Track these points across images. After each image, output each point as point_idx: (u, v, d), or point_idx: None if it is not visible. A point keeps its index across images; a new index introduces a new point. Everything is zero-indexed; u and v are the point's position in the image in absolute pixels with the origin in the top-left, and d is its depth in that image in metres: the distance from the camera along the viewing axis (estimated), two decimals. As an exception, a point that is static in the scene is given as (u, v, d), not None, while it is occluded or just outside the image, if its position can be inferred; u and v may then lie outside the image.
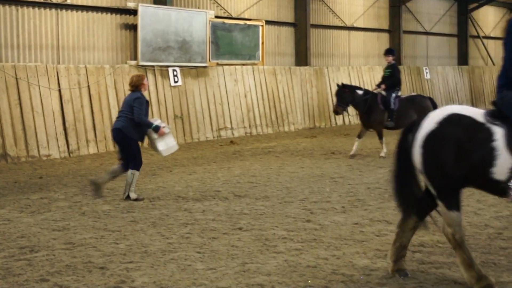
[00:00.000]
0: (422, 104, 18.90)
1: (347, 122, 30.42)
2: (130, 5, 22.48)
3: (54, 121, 19.81)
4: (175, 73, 23.36)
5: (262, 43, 26.89)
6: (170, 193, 13.65)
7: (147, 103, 13.13)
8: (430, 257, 8.69)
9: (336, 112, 19.34)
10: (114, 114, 20.95)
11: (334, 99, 19.79)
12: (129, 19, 22.90)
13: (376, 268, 8.25)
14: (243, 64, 26.34)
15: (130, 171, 12.97)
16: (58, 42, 21.03)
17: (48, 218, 11.38)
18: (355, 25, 33.30)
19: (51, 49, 20.87)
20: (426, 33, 38.69)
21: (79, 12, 21.60)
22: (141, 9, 22.37)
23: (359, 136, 19.11)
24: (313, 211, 11.68)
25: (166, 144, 13.34)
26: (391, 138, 19.00)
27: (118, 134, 13.07)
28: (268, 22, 27.87)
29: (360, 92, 19.03)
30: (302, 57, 29.77)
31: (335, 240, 9.61)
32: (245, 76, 26.22)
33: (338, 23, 32.29)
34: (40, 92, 19.59)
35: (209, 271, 8.21)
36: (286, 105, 27.69)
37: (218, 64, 25.17)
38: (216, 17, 25.40)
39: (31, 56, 20.36)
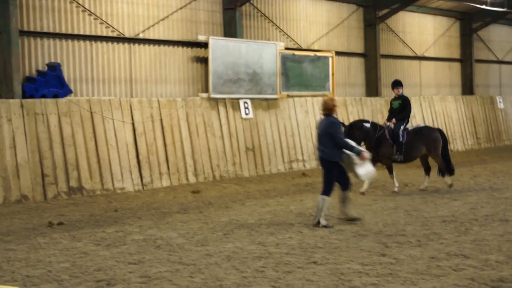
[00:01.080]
0: (432, 136, 18.49)
1: (419, 152, 30.06)
2: (201, 38, 22.74)
3: (128, 154, 20.08)
4: (246, 105, 23.49)
5: (332, 74, 26.85)
6: (244, 226, 13.66)
7: (340, 125, 14.13)
8: (511, 293, 8.49)
9: (375, 146, 18.25)
10: (187, 147, 21.20)
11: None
12: (200, 52, 23.16)
13: (456, 304, 8.09)
14: (314, 96, 26.33)
15: (320, 197, 13.42)
16: (131, 76, 21.38)
17: (124, 251, 11.49)
18: (425, 54, 33.07)
19: (124, 82, 21.23)
20: (499, 61, 38.17)
21: (151, 46, 21.94)
22: (211, 42, 22.61)
23: (390, 171, 18.46)
24: (388, 244, 11.54)
25: (365, 169, 13.80)
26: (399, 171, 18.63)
27: (323, 162, 13.63)
28: (338, 53, 27.86)
29: (367, 125, 18.37)
30: (372, 87, 29.67)
31: (412, 275, 9.46)
32: (316, 107, 26.18)
33: (408, 53, 32.11)
34: (114, 125, 19.89)
35: (285, 306, 8.16)
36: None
37: (288, 96, 25.22)
38: (286, 48, 25.50)
39: (105, 90, 20.73)
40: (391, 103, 19.00)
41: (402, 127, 18.21)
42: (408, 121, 18.62)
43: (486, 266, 9.85)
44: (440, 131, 19.02)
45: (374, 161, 17.41)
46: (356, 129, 18.04)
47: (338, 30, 28.61)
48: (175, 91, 22.55)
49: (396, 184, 18.22)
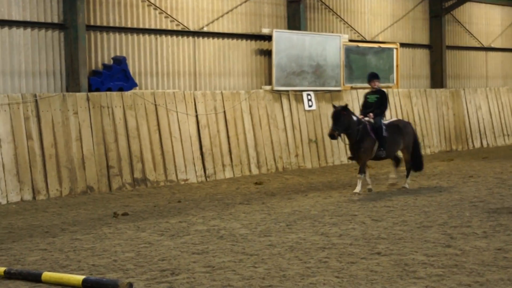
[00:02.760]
0: (409, 130, 17.72)
1: (485, 144, 29.65)
2: (265, 31, 22.77)
3: (192, 146, 20.22)
4: (309, 97, 23.45)
5: (397, 65, 26.63)
6: (306, 217, 13.63)
7: None
8: None
9: (332, 136, 16.47)
10: (250, 139, 21.27)
11: (330, 121, 17.00)
12: (264, 44, 23.18)
13: (522, 296, 7.94)
14: (378, 87, 26.11)
15: None
16: (195, 69, 21.52)
17: (188, 241, 11.56)
18: (492, 45, 32.53)
19: (188, 75, 21.38)
20: None
21: (215, 39, 22.04)
22: (275, 34, 22.60)
23: (362, 171, 16.78)
24: (453, 236, 11.39)
25: None
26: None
27: None
28: (402, 45, 27.61)
29: (355, 118, 16.70)
30: (437, 79, 29.35)
31: (478, 266, 9.32)
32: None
33: (474, 44, 31.65)
34: (178, 118, 20.05)
35: (348, 296, 8.13)
36: (421, 128, 27.26)
37: (352, 88, 25.09)
38: (350, 41, 25.38)
39: (169, 83, 20.91)
40: (366, 97, 17.58)
41: (383, 121, 17.15)
42: (385, 115, 17.52)
43: (554, 258, 9.66)
44: (410, 124, 18.52)
45: (353, 158, 17.10)
46: (347, 113, 16.48)
47: (403, 21, 28.34)
48: (238, 84, 22.63)
49: (369, 181, 17.12)
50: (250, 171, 21.35)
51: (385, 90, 18.36)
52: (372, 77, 17.68)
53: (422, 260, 9.76)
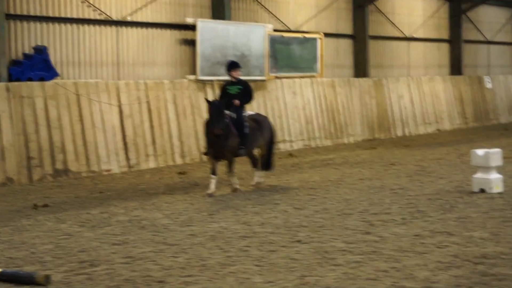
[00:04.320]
0: (268, 125, 16.36)
1: (407, 133, 30.13)
2: (189, 20, 22.66)
3: (114, 136, 20.04)
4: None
5: (321, 55, 26.83)
6: (229, 206, 13.65)
7: None
8: (493, 269, 8.49)
9: (219, 136, 14.89)
10: (174, 129, 21.17)
11: (210, 117, 15.08)
12: (188, 34, 23.07)
13: (437, 280, 8.08)
14: (302, 77, 26.32)
15: None
16: (118, 59, 21.30)
17: (108, 232, 11.46)
18: (414, 35, 33.02)
19: (111, 65, 21.15)
20: (487, 42, 38.20)
21: (139, 28, 21.86)
22: (199, 24, 22.53)
23: (215, 172, 15.19)
24: (372, 223, 11.54)
25: None
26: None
27: None
28: (326, 35, 27.81)
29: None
30: (361, 68, 29.66)
31: (395, 252, 9.47)
32: (304, 88, 26.18)
33: (397, 34, 32.08)
34: (100, 108, 19.83)
35: (268, 284, 8.15)
36: (345, 117, 27.56)
37: (276, 77, 25.19)
38: (275, 30, 25.44)
39: (92, 73, 20.65)
40: (225, 88, 15.82)
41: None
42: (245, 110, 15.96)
43: (469, 243, 9.86)
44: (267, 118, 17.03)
45: (217, 157, 15.22)
46: (221, 107, 15.07)
47: (327, 11, 28.53)
48: (162, 73, 22.47)
49: (237, 182, 15.65)
50: (174, 161, 21.27)
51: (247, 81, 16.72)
52: (232, 66, 15.95)
53: (341, 247, 9.87)
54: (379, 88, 29.49)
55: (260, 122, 16.08)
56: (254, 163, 16.16)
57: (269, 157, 16.29)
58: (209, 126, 14.98)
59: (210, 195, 14.83)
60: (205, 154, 15.84)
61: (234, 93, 15.57)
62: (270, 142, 16.31)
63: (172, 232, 11.29)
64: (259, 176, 16.18)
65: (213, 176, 15.05)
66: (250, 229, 11.38)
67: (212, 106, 14.96)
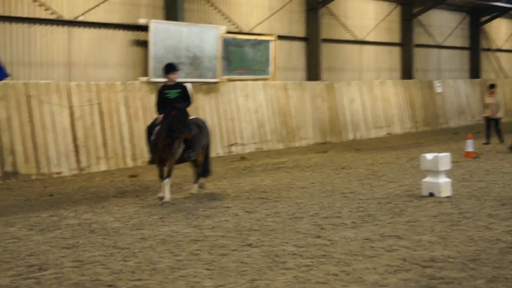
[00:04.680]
0: (208, 129, 15.85)
1: (358, 136, 30.34)
2: (142, 21, 22.56)
3: (65, 138, 19.86)
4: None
5: (274, 58, 26.90)
6: (180, 209, 13.61)
7: None
8: (441, 272, 8.59)
9: (171, 141, 14.39)
10: (126, 131, 21.05)
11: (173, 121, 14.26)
12: (141, 35, 22.97)
13: (386, 284, 8.16)
14: (254, 80, 26.36)
15: None
16: (69, 59, 21.12)
17: (58, 236, 11.35)
18: (366, 39, 33.28)
19: (62, 66, 20.96)
20: (438, 46, 38.64)
21: (91, 29, 21.70)
22: (152, 25, 22.44)
23: (164, 175, 14.58)
24: (323, 226, 11.61)
25: None
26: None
27: None
28: (279, 37, 27.89)
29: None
30: (313, 71, 29.80)
31: (345, 256, 9.53)
32: (256, 91, 26.22)
33: (349, 37, 32.30)
34: (51, 109, 19.64)
35: (218, 288, 8.17)
36: (297, 120, 27.66)
37: (229, 80, 25.19)
38: (228, 32, 25.44)
39: (42, 74, 20.44)
40: (163, 93, 15.02)
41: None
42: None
43: (418, 246, 9.97)
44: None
45: (162, 161, 14.56)
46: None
47: (280, 14, 28.62)
48: (114, 75, 22.33)
49: (167, 196, 14.44)
50: (125, 163, 21.16)
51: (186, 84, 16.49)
52: (170, 69, 15.14)
53: (292, 251, 9.90)
54: (331, 91, 29.65)
55: (201, 126, 15.52)
56: (197, 167, 15.60)
57: (208, 162, 15.87)
58: (168, 131, 14.17)
59: (165, 203, 14.13)
60: (151, 162, 14.99)
61: (173, 97, 14.87)
62: (208, 147, 15.92)
63: (123, 236, 11.23)
64: (199, 183, 15.68)
65: (164, 180, 14.41)
66: (201, 232, 11.36)
67: (179, 110, 14.25)
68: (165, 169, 14.50)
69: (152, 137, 14.62)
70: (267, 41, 26.81)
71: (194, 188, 15.66)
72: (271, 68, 26.91)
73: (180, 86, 15.19)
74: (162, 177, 14.55)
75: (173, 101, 14.68)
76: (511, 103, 40.63)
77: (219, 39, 24.64)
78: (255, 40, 26.47)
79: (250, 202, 14.24)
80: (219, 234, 11.21)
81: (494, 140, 25.70)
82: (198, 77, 23.98)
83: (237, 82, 25.59)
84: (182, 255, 9.80)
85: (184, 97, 14.97)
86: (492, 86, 26.26)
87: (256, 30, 27.34)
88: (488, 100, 25.67)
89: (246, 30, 26.96)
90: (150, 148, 14.79)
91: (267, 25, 28.01)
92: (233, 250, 10.06)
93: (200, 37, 24.01)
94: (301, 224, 11.88)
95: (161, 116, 14.60)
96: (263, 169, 19.96)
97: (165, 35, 22.84)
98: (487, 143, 25.27)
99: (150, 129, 15.00)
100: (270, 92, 26.80)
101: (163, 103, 14.82)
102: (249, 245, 10.36)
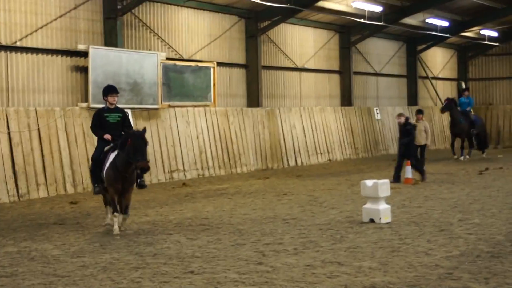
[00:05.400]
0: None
1: (299, 162, 30.50)
2: (81, 47, 22.42)
3: (4, 164, 19.56)
4: (127, 114, 23.20)
5: (214, 84, 26.98)
6: (121, 236, 13.48)
7: None
8: (382, 298, 8.69)
9: (129, 172, 13.71)
10: (65, 157, 20.84)
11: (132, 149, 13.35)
12: (80, 61, 22.82)
13: (328, 311, 8.22)
14: (195, 106, 26.37)
15: None
16: (7, 85, 20.86)
17: (-4, 264, 11.18)
18: (306, 66, 33.58)
19: (0, 91, 20.67)
20: (376, 74, 39.20)
21: (29, 54, 21.48)
22: (91, 51, 22.33)
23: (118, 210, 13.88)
24: (265, 253, 11.63)
25: None
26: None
27: None
28: (219, 64, 28.00)
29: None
30: (253, 98, 29.92)
31: (287, 283, 9.57)
32: (197, 117, 26.23)
33: (289, 64, 32.55)
34: (-11, 135, 19.36)
35: (160, 317, 8.11)
36: (238, 146, 27.72)
37: (169, 106, 25.15)
38: (168, 59, 25.44)
39: (-20, 99, 20.15)
40: (103, 116, 14.38)
41: None
42: None
43: (359, 272, 10.06)
44: None
45: (122, 193, 13.88)
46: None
47: (220, 41, 28.73)
48: (53, 100, 22.11)
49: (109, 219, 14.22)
50: (65, 190, 20.91)
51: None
52: (110, 91, 14.52)
53: (234, 278, 9.91)
54: (271, 117, 29.81)
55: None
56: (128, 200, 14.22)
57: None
58: (128, 159, 13.33)
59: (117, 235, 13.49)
60: (98, 193, 14.42)
61: (114, 121, 14.39)
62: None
63: (63, 264, 11.09)
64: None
65: (116, 214, 13.73)
66: (143, 260, 11.29)
67: (134, 137, 13.36)
68: (124, 201, 13.80)
69: (107, 168, 13.74)
70: (208, 68, 26.89)
71: (119, 219, 13.98)
72: (211, 94, 26.97)
73: (121, 110, 14.71)
74: (116, 210, 13.71)
75: (114, 125, 14.30)
76: (445, 130, 41.25)
77: (159, 65, 24.63)
78: (196, 66, 26.52)
79: (192, 229, 14.21)
80: (161, 261, 11.15)
81: (431, 166, 26.04)
82: (138, 103, 23.90)
83: (178, 109, 25.57)
84: (123, 283, 9.73)
85: (125, 122, 14.52)
86: (420, 112, 25.94)
87: (196, 57, 27.39)
88: (416, 126, 24.45)
89: (186, 57, 26.98)
90: (107, 180, 13.73)
91: (207, 51, 28.08)
92: (175, 277, 10.03)
93: (140, 63, 23.97)
94: (243, 250, 11.90)
95: (108, 137, 14.06)
96: (205, 196, 19.93)
97: (105, 61, 22.74)
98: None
99: (98, 158, 14.18)
100: (211, 118, 26.83)
101: (103, 126, 14.33)
102: (191, 272, 10.33)
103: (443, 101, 32.54)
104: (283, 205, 17.59)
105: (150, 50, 25.25)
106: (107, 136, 14.17)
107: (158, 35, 25.83)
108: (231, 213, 16.34)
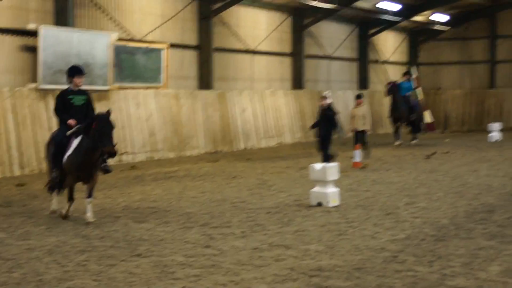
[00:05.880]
0: None
1: (249, 146, 30.56)
2: (31, 26, 22.12)
3: (-51, 145, 19.30)
4: (76, 96, 23.00)
5: (166, 66, 26.85)
6: (68, 219, 13.40)
7: None
8: (328, 281, 8.77)
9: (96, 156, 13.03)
10: (13, 138, 20.59)
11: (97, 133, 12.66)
12: (30, 41, 22.50)
13: (273, 294, 8.28)
14: (146, 88, 26.24)
15: None
16: (-47, 65, 20.54)
17: None
18: (258, 49, 33.56)
19: None
20: (328, 57, 39.35)
21: (-23, 33, 21.15)
22: (42, 30, 22.06)
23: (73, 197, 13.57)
24: (213, 236, 11.66)
25: None
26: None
27: None
28: (171, 45, 27.86)
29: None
30: (205, 80, 29.84)
31: (234, 266, 9.61)
32: (148, 99, 26.09)
33: (241, 46, 32.50)
34: None
35: (105, 300, 8.10)
36: (188, 129, 27.65)
37: (120, 88, 24.98)
38: (119, 39, 25.23)
39: None
40: (68, 98, 13.51)
41: None
42: None
43: (306, 256, 10.15)
44: None
45: (84, 179, 13.30)
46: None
47: (173, 22, 28.56)
48: (1, 81, 21.80)
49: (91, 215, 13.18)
50: (12, 172, 20.68)
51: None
52: (77, 72, 13.73)
53: (181, 261, 9.92)
54: (222, 100, 29.78)
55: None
56: (72, 195, 13.67)
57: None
58: (92, 145, 12.71)
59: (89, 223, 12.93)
60: (56, 178, 13.49)
61: (79, 104, 13.56)
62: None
63: (8, 247, 11.00)
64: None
65: (71, 201, 13.36)
66: (89, 243, 11.25)
67: (100, 120, 12.71)
68: (88, 187, 13.16)
69: (70, 154, 13.03)
70: (159, 49, 26.75)
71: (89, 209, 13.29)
72: (163, 76, 26.85)
73: (85, 92, 13.82)
74: (71, 198, 13.34)
75: (78, 108, 13.49)
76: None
77: (111, 46, 24.43)
78: (147, 48, 26.36)
79: (140, 212, 14.18)
80: (108, 244, 11.12)
81: (379, 150, 26.28)
82: (88, 85, 23.54)
83: (128, 90, 25.41)
84: (69, 266, 9.69)
85: (89, 105, 13.72)
86: (359, 96, 25.01)
87: (148, 38, 27.21)
88: (355, 111, 24.50)
89: (138, 38, 26.79)
90: (70, 167, 13.05)
91: (159, 33, 27.91)
92: (122, 260, 10.01)
93: (91, 44, 23.74)
94: (191, 234, 11.91)
95: (72, 122, 13.27)
96: (154, 178, 19.88)
97: (55, 41, 22.48)
98: None
99: (61, 142, 13.34)
100: (161, 100, 26.72)
101: (67, 109, 13.47)
102: (138, 255, 10.32)
103: (385, 85, 32.06)
104: (232, 188, 17.62)
105: (101, 30, 25.01)
106: (71, 122, 13.32)
107: (110, 15, 25.60)
108: (179, 196, 16.34)
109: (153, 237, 11.63)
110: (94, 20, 25.00)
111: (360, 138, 23.92)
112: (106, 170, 13.50)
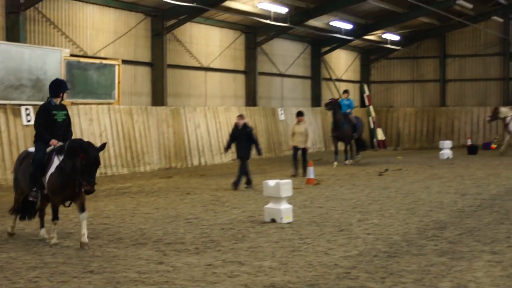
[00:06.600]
0: None
1: (203, 162, 30.52)
2: (-19, 41, 21.90)
3: None
4: (28, 111, 22.82)
5: (118, 82, 26.74)
6: (20, 235, 13.27)
7: None
8: (281, 298, 8.78)
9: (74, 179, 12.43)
10: (-38, 154, 20.25)
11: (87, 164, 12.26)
12: (-20, 56, 22.25)
13: (227, 310, 8.26)
14: (99, 104, 26.07)
15: None
16: None
17: None
18: (211, 66, 33.62)
19: None
20: (281, 75, 39.55)
21: None
22: (-8, 46, 21.84)
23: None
24: (166, 252, 11.61)
25: None
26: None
27: None
28: (124, 62, 27.76)
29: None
30: (158, 97, 29.79)
31: (187, 282, 9.58)
32: (101, 115, 25.93)
33: (195, 63, 32.52)
34: None
35: (57, 317, 8.01)
36: (142, 145, 27.53)
37: (72, 103, 24.78)
38: (72, 55, 25.07)
39: None
40: (51, 113, 12.69)
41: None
42: None
43: (259, 272, 10.15)
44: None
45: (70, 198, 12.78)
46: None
47: (126, 38, 28.49)
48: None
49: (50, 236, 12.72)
50: None
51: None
52: (63, 87, 12.95)
53: (134, 277, 9.86)
54: (176, 117, 29.73)
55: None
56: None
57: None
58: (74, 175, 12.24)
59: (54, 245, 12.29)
60: (36, 196, 12.69)
61: (61, 120, 12.76)
62: None
63: (-42, 263, 10.83)
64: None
65: (56, 221, 12.59)
66: (41, 259, 11.13)
67: (89, 157, 12.16)
68: (79, 203, 12.59)
69: (53, 174, 12.34)
70: (112, 65, 26.63)
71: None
72: (115, 92, 26.71)
73: (65, 107, 13.02)
74: (57, 217, 12.58)
75: (60, 125, 12.70)
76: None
77: (63, 62, 24.25)
78: (100, 63, 26.23)
79: (93, 228, 14.05)
80: (59, 260, 11.01)
81: (328, 168, 26.36)
82: (41, 100, 23.34)
83: (81, 106, 25.24)
84: (20, 283, 9.58)
85: (69, 121, 13.01)
86: (300, 113, 24.72)
87: (101, 54, 27.08)
88: (295, 128, 24.36)
89: (90, 54, 26.65)
90: (53, 186, 12.38)
91: (112, 49, 27.81)
92: (74, 277, 9.92)
93: (43, 60, 23.54)
94: (144, 250, 11.85)
95: (54, 142, 12.52)
96: (107, 194, 19.74)
97: (6, 56, 22.25)
98: (294, 175, 23.99)
99: (41, 161, 12.56)
100: (114, 116, 26.57)
101: (49, 125, 12.65)
102: (91, 271, 10.24)
103: (326, 101, 31.39)
104: (185, 205, 17.58)
105: (54, 46, 24.83)
106: (54, 142, 12.57)
107: (62, 31, 25.45)
108: (133, 213, 16.24)
109: (105, 254, 11.54)
110: (46, 36, 24.82)
111: (301, 155, 24.27)
112: (89, 192, 12.54)
